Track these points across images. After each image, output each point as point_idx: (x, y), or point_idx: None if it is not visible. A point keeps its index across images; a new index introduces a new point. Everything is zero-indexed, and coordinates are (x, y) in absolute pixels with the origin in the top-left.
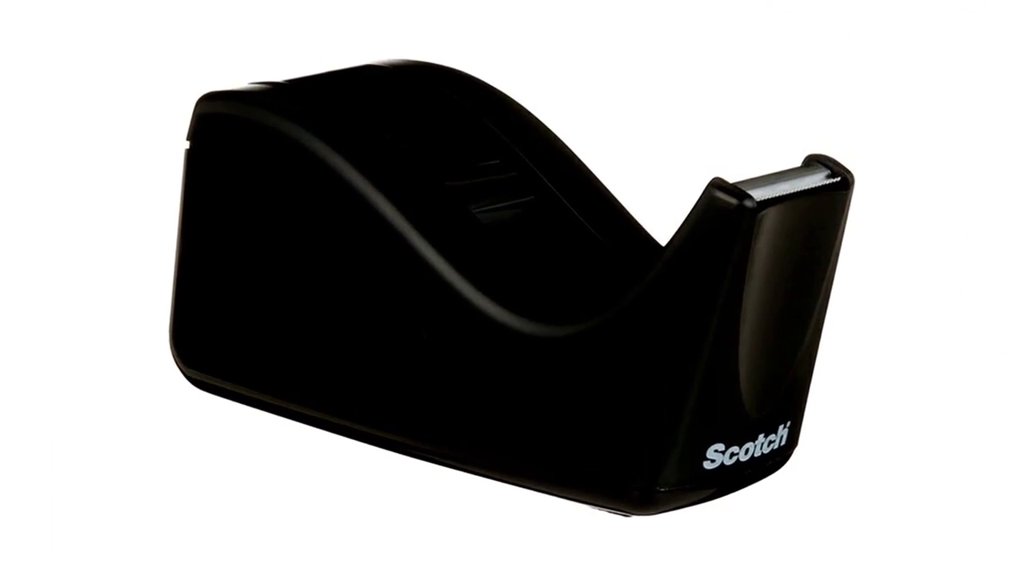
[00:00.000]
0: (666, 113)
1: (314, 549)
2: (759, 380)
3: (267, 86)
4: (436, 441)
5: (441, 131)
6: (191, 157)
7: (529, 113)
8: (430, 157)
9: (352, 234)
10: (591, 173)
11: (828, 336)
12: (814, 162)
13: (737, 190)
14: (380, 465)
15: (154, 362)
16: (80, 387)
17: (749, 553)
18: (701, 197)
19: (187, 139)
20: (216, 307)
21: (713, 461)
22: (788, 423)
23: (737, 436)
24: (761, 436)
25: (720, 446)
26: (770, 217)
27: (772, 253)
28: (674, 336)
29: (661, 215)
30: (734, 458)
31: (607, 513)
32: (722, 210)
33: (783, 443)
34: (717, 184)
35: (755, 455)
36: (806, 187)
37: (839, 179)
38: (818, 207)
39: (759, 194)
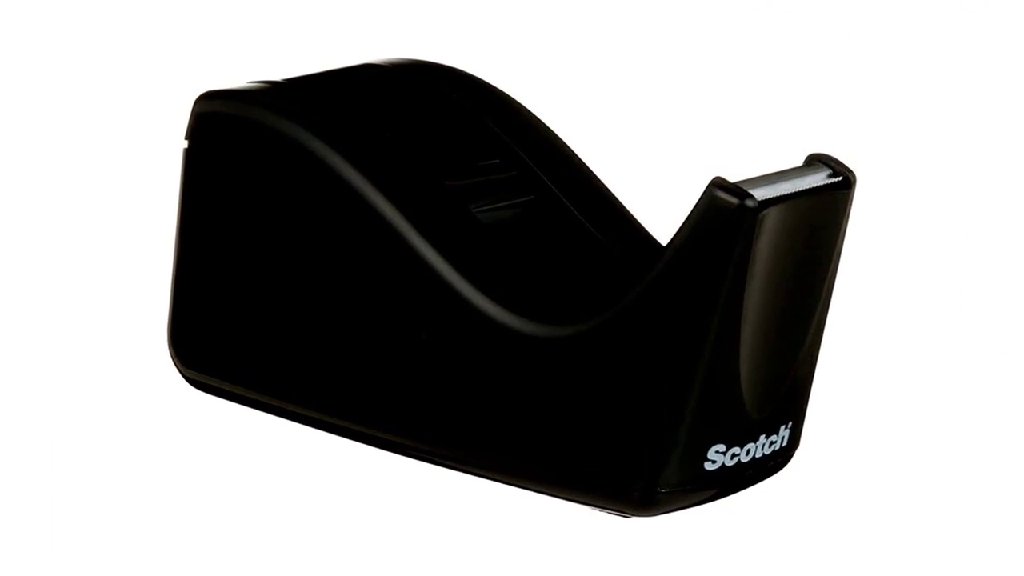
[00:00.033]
0: (666, 113)
1: (313, 550)
2: (760, 380)
3: (266, 85)
4: (436, 442)
5: (441, 130)
6: (189, 156)
7: (529, 112)
8: (430, 156)
9: (351, 234)
10: (591, 172)
11: (830, 336)
12: (816, 161)
13: (738, 189)
14: (379, 466)
15: (152, 362)
16: (78, 387)
17: (751, 555)
18: (702, 196)
19: (185, 138)
20: (214, 307)
21: (714, 462)
22: (789, 424)
23: (738, 437)
24: (762, 437)
25: (721, 447)
26: (771, 217)
27: (773, 253)
28: (675, 336)
29: (661, 215)
30: (735, 459)
31: (607, 514)
32: (723, 209)
33: (785, 444)
34: (718, 183)
35: (756, 456)
36: (808, 186)
37: (841, 178)
38: (819, 207)
39: (760, 193)
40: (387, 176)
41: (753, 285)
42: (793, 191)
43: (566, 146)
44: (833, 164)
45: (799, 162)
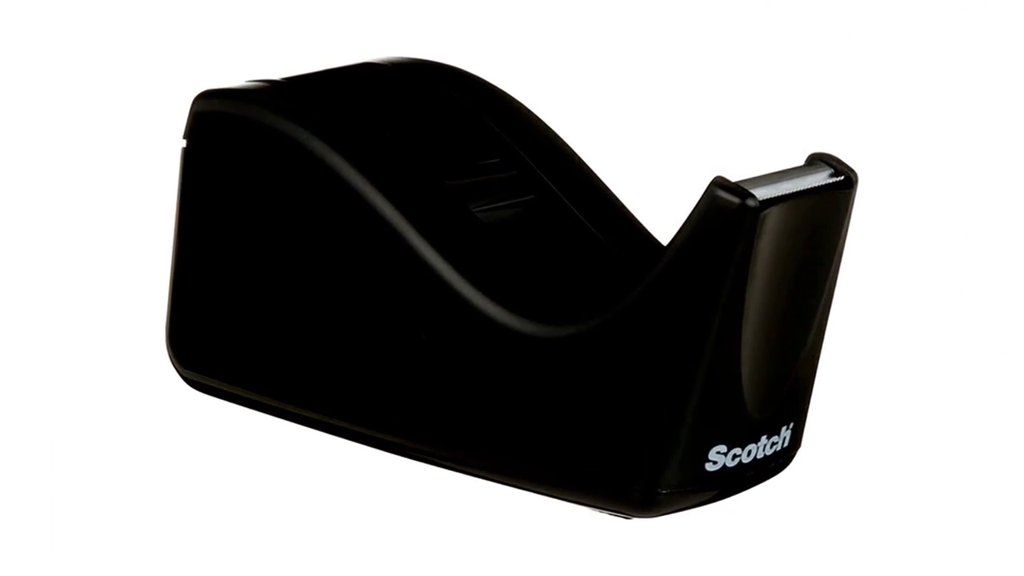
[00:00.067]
0: (667, 112)
1: (312, 551)
2: (762, 381)
3: (265, 84)
4: (435, 443)
5: (441, 129)
6: (188, 156)
7: (529, 111)
8: (429, 156)
9: (350, 233)
10: (591, 172)
11: (831, 336)
12: (817, 161)
13: (739, 189)
14: (379, 467)
15: (150, 362)
16: (76, 387)
17: (752, 556)
18: (703, 196)
19: (184, 137)
20: (213, 307)
21: (715, 463)
22: (791, 424)
23: (739, 437)
24: (764, 437)
25: (722, 447)
26: (773, 216)
27: (775, 252)
28: (676, 336)
29: (662, 214)
30: (736, 460)
31: (607, 515)
32: (724, 209)
33: (786, 444)
34: (719, 183)
35: (758, 457)
36: (809, 186)
37: (842, 178)
38: (821, 206)
39: (762, 193)
40: (386, 175)
41: (754, 285)
42: (794, 191)
43: (566, 145)
44: (835, 163)
45: (800, 161)
